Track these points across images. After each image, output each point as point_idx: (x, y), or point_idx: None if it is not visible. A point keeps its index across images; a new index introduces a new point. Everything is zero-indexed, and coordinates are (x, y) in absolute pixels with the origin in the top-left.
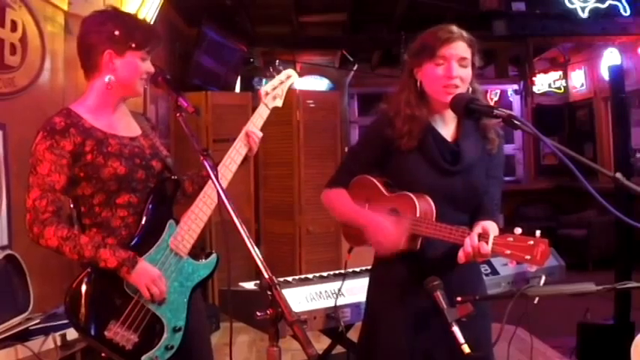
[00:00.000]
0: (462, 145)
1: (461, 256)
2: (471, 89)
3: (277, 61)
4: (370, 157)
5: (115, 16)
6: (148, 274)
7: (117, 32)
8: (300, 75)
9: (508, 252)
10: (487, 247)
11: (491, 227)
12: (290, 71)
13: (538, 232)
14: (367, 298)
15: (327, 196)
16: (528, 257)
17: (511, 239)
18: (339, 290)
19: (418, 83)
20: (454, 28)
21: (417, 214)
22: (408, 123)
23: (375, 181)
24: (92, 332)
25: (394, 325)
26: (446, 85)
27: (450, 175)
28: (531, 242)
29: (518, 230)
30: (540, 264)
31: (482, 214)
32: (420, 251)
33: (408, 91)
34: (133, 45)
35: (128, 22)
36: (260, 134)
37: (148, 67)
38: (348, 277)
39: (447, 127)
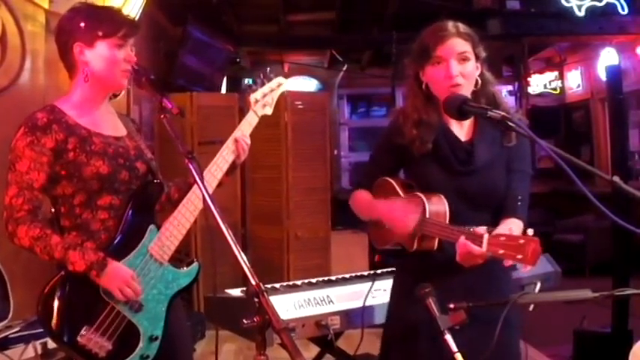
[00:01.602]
0: (476, 145)
1: (457, 257)
2: (480, 82)
3: (268, 68)
4: (385, 163)
5: (83, 9)
6: (120, 275)
7: (82, 24)
8: (288, 75)
9: (501, 252)
10: (479, 248)
11: (509, 227)
12: (281, 79)
13: (530, 231)
14: (389, 301)
15: (352, 199)
16: (520, 257)
17: (503, 238)
18: (369, 291)
19: (424, 86)
20: (449, 25)
21: (427, 215)
22: (417, 128)
23: (393, 183)
24: (64, 338)
25: (406, 331)
26: (448, 85)
27: (463, 175)
28: (522, 241)
29: (513, 228)
30: (531, 263)
31: (504, 213)
32: (439, 251)
33: (413, 96)
34: (100, 33)
35: (96, 13)
36: (249, 140)
37: (127, 54)
38: (338, 283)
39: (462, 126)
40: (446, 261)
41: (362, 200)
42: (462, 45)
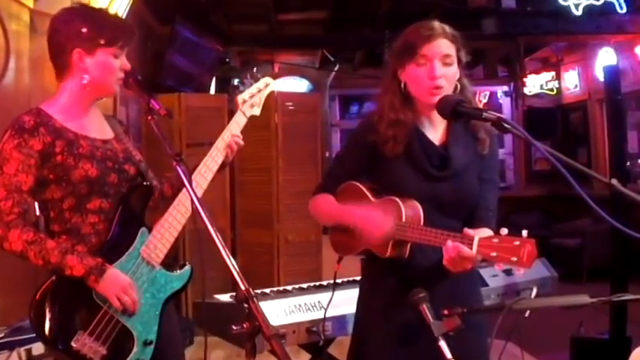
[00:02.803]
0: (451, 150)
1: (445, 261)
2: (459, 87)
3: (255, 68)
4: (355, 163)
5: (82, 12)
6: (118, 282)
7: (84, 30)
8: (279, 76)
9: (494, 254)
10: (470, 250)
11: (482, 234)
12: (268, 79)
13: (525, 232)
14: (356, 310)
15: (313, 204)
16: (514, 259)
17: (496, 240)
18: (329, 301)
19: (402, 85)
20: (435, 25)
21: (403, 219)
22: (392, 128)
23: (361, 187)
24: (58, 343)
25: (382, 340)
26: (430, 86)
27: (437, 180)
28: (517, 243)
29: (504, 231)
30: (527, 266)
31: (475, 222)
32: (410, 259)
33: (391, 94)
34: (103, 42)
35: (97, 18)
36: (241, 142)
37: (123, 63)
38: (329, 289)
39: (435, 130)
40: (420, 268)
41: (327, 205)
42: (447, 47)
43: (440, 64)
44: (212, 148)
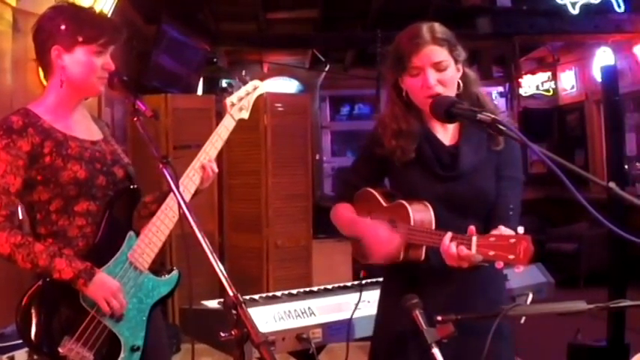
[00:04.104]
0: (460, 148)
1: (446, 261)
2: (461, 85)
3: (244, 69)
4: (368, 173)
5: (66, 10)
6: (107, 286)
7: (63, 27)
8: (268, 76)
9: (492, 253)
10: (466, 250)
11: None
12: (257, 82)
13: (521, 229)
14: (376, 313)
15: (333, 213)
16: (512, 257)
17: (493, 239)
18: (358, 303)
19: (404, 93)
20: (423, 31)
21: (412, 223)
22: (397, 139)
23: (374, 193)
24: (45, 349)
25: (394, 341)
26: (426, 95)
27: (447, 180)
28: (513, 240)
29: (501, 229)
30: (524, 263)
31: (494, 221)
32: (426, 261)
33: (392, 104)
34: (81, 39)
35: (78, 15)
36: (216, 169)
37: (105, 62)
38: (320, 294)
39: (446, 130)
40: (434, 270)
41: (343, 217)
42: (437, 54)
43: (433, 70)
44: (200, 151)
